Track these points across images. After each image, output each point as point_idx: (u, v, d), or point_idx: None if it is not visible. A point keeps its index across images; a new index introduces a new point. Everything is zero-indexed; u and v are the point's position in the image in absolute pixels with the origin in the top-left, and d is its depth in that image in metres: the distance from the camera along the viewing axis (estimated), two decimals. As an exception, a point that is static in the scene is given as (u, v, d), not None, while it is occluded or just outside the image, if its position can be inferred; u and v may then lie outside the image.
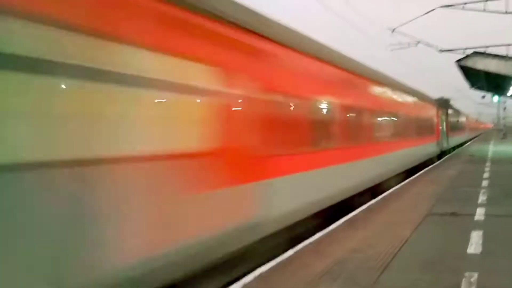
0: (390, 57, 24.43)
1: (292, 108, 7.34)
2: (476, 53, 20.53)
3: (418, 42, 20.20)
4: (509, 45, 19.01)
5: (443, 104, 27.15)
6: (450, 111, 30.53)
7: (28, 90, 3.16)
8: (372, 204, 10.53)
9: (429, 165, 20.61)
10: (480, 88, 36.86)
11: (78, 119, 3.48)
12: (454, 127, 33.85)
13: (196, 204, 4.70)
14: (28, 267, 3.10)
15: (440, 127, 25.28)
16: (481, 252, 6.28)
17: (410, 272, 5.50)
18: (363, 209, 9.92)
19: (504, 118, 64.69)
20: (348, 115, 9.82)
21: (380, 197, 11.61)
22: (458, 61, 21.32)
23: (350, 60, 10.78)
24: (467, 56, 20.72)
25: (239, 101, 5.64)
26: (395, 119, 14.58)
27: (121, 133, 3.86)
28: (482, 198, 10.77)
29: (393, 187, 13.42)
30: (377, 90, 12.97)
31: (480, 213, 8.92)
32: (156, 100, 4.34)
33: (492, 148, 33.38)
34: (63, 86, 3.46)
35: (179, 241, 4.46)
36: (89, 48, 3.59)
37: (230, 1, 5.84)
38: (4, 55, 2.99)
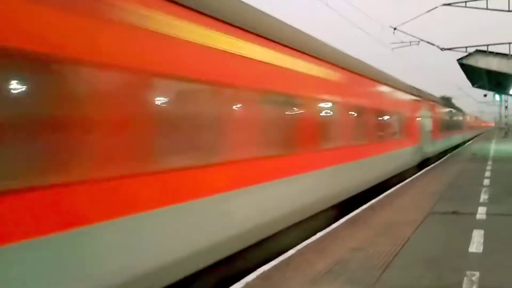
0: (392, 55, 24.42)
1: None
2: (478, 52, 20.48)
3: (420, 40, 20.18)
4: (511, 43, 18.96)
5: (429, 98, 22.26)
6: (439, 107, 25.56)
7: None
8: (374, 203, 10.55)
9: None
10: (481, 86, 36.78)
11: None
12: (445, 127, 27.87)
13: None
14: None
15: (423, 127, 19.48)
16: (483, 251, 6.30)
17: (412, 271, 5.52)
18: (365, 208, 9.93)
19: (506, 117, 64.48)
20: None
21: (382, 195, 11.61)
22: (460, 59, 21.27)
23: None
24: (469, 55, 20.68)
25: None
26: (327, 114, 8.98)
27: None
28: (483, 196, 10.78)
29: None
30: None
31: (481, 212, 8.93)
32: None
33: (494, 147, 33.36)
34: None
35: None
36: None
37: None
38: None
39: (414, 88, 18.93)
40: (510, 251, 6.25)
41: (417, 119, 18.69)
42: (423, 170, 18.28)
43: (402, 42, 20.36)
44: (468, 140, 48.97)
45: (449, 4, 17.54)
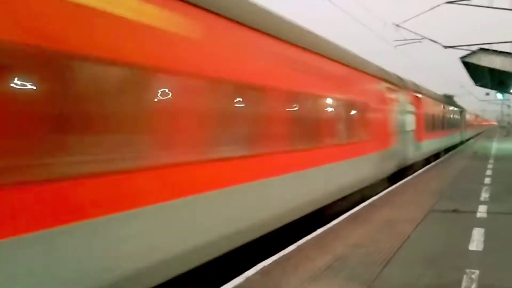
0: (394, 52, 24.35)
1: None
2: (481, 50, 20.41)
3: (423, 38, 20.09)
4: (514, 41, 18.90)
5: (413, 88, 17.15)
6: (427, 101, 20.27)
7: None
8: (374, 200, 10.56)
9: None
10: (484, 85, 36.66)
11: None
12: (436, 125, 22.40)
13: None
14: None
15: (400, 126, 14.61)
16: (483, 249, 6.30)
17: (411, 269, 5.53)
18: (365, 205, 9.94)
19: (508, 115, 64.39)
20: None
21: (383, 193, 11.62)
22: (463, 57, 21.20)
23: None
24: (472, 53, 20.61)
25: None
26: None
27: None
28: (484, 195, 10.78)
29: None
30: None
31: (482, 210, 8.94)
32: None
33: (496, 145, 33.34)
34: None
35: None
36: None
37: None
38: None
39: (387, 72, 13.72)
40: (510, 250, 6.26)
41: (392, 114, 13.48)
42: (426, 167, 18.27)
43: (405, 39, 20.27)
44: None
45: (452, 2, 17.46)
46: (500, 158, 21.41)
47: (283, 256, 6.13)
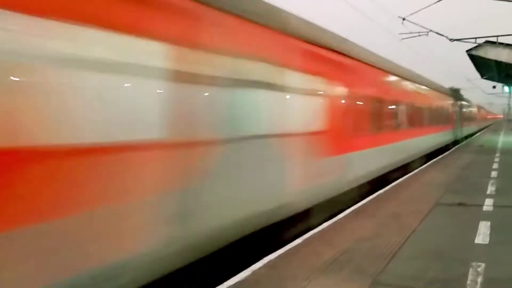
0: (400, 46, 24.22)
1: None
2: (487, 42, 20.23)
3: (429, 31, 19.95)
4: (521, 34, 18.74)
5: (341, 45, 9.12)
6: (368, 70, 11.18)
7: None
8: (380, 194, 10.56)
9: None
10: (491, 78, 36.38)
11: None
12: (398, 120, 14.01)
13: None
14: None
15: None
16: (489, 243, 6.31)
17: (417, 262, 5.54)
18: (371, 199, 9.95)
19: (515, 109, 63.92)
20: None
21: (389, 186, 11.62)
22: (469, 50, 21.03)
23: None
24: (479, 46, 20.43)
25: None
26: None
27: None
28: (491, 188, 10.76)
29: None
30: None
31: (488, 204, 8.93)
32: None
33: (502, 139, 33.17)
34: None
35: None
36: None
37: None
38: None
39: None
40: (516, 243, 6.26)
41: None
42: (433, 160, 18.21)
43: (411, 32, 20.14)
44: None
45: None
46: (507, 152, 21.31)
47: (289, 250, 6.16)
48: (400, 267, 5.37)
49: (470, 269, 5.20)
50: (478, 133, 46.77)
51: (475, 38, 20.17)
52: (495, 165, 15.58)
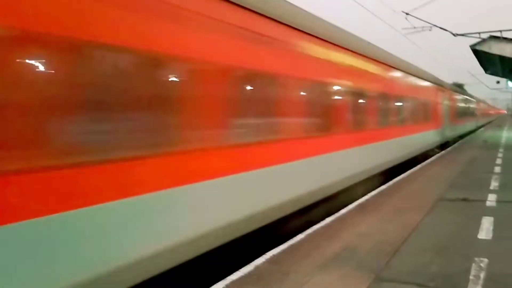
0: (404, 40, 24.11)
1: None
2: (491, 37, 20.12)
3: (432, 26, 19.88)
4: (526, 29, 18.62)
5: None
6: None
7: None
8: (383, 189, 10.55)
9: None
10: (494, 73, 36.20)
11: None
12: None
13: None
14: None
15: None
16: (492, 238, 6.30)
17: (420, 257, 5.54)
18: (374, 194, 9.95)
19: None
20: None
21: (392, 181, 11.61)
22: (473, 45, 20.91)
23: None
24: (482, 40, 20.32)
25: None
26: None
27: None
28: (494, 184, 10.74)
29: None
30: None
31: (491, 199, 8.91)
32: None
33: (506, 134, 33.07)
34: None
35: None
36: None
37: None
38: None
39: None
40: (519, 238, 6.25)
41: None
42: (436, 156, 18.18)
43: (414, 27, 20.07)
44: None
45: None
46: (510, 147, 21.26)
47: (292, 245, 6.18)
48: (403, 262, 5.37)
49: (473, 264, 5.20)
50: (478, 131, 41.52)
51: (479, 33, 20.08)
52: (498, 161, 15.54)
